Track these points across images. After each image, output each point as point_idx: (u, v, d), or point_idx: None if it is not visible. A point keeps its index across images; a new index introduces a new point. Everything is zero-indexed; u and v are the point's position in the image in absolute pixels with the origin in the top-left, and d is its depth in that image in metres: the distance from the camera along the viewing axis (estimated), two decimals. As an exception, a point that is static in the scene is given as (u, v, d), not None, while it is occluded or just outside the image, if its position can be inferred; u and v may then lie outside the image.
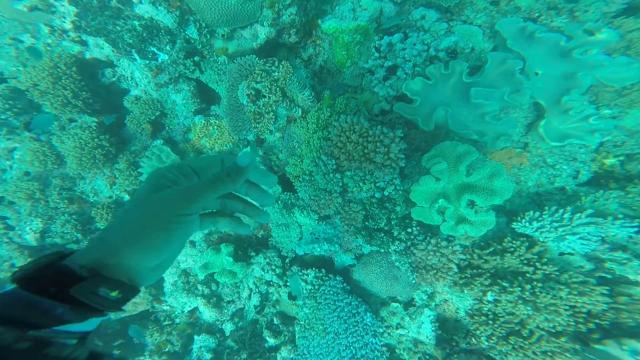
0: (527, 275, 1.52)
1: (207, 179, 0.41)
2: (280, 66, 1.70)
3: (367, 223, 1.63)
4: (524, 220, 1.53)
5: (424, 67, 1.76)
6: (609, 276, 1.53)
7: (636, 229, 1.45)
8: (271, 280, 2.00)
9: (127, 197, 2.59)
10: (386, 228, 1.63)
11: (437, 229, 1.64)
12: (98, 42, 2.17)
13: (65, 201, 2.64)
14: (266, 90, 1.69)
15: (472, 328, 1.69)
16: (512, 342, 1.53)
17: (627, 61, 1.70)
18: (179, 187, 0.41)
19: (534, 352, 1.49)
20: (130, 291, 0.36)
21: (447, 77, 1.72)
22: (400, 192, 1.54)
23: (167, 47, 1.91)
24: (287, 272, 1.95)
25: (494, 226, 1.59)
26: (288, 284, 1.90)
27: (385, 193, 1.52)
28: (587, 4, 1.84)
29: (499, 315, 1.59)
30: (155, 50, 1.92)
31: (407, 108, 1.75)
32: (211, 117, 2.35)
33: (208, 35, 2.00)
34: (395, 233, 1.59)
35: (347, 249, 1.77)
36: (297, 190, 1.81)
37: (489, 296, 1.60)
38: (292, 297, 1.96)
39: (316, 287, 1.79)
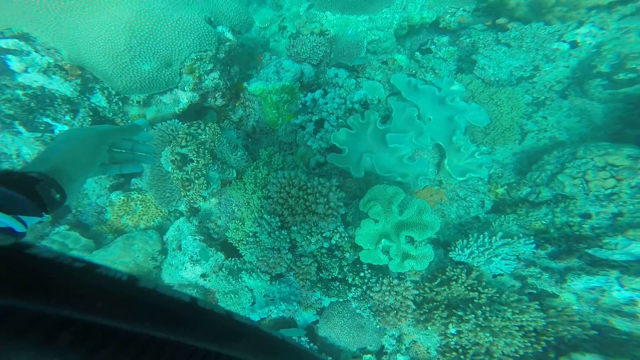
0: (475, 300, 1.68)
1: (114, 127, 0.68)
2: (207, 128, 1.67)
3: (321, 274, 1.62)
4: (457, 249, 1.75)
5: (345, 118, 1.97)
6: (534, 291, 1.80)
7: (534, 245, 1.80)
8: None
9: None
10: (340, 276, 1.64)
11: (386, 269, 1.74)
12: None
13: None
14: (193, 155, 1.62)
15: None
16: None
17: (476, 107, 2.27)
18: (97, 128, 0.63)
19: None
20: (64, 199, 0.52)
21: (365, 126, 1.96)
22: (346, 238, 1.60)
23: (67, 117, 1.68)
24: None
25: (435, 257, 1.80)
26: None
27: (333, 242, 1.56)
28: (437, 66, 2.47)
29: (466, 347, 1.68)
30: (50, 122, 1.66)
31: (338, 158, 1.91)
32: (132, 192, 2.08)
33: (120, 103, 1.85)
34: (350, 280, 1.62)
35: (307, 305, 1.70)
36: (242, 254, 1.70)
37: (451, 329, 1.70)
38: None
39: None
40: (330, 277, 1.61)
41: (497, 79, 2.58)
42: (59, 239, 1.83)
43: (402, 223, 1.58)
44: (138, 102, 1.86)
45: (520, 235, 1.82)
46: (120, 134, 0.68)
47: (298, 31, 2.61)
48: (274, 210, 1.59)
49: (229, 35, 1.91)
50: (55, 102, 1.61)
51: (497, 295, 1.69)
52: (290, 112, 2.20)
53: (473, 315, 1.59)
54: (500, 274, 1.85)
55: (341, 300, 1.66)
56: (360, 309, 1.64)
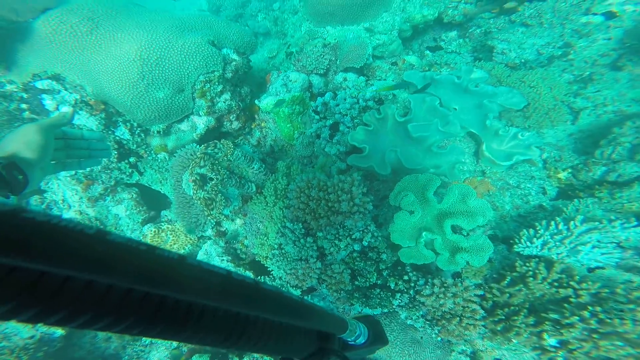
0: (572, 299, 1.32)
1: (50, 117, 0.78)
2: (220, 145, 1.67)
3: (357, 282, 1.42)
4: (523, 239, 1.47)
5: (360, 117, 1.89)
6: None
7: None
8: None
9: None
10: (380, 282, 1.43)
11: (437, 271, 1.49)
12: None
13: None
14: (211, 173, 1.60)
15: None
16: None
17: (507, 89, 2.08)
18: (37, 121, 0.70)
19: None
20: (26, 181, 0.60)
21: (384, 121, 1.85)
22: (379, 238, 1.41)
23: None
24: None
25: (496, 255, 1.51)
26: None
27: (365, 243, 1.38)
28: (452, 60, 2.38)
29: None
30: None
31: (359, 158, 1.80)
32: (162, 223, 2.11)
33: (142, 135, 1.95)
34: (392, 285, 1.39)
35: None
36: (270, 270, 1.56)
37: (549, 339, 1.33)
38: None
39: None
40: (367, 284, 1.40)
41: (522, 60, 2.40)
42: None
43: (444, 213, 1.37)
44: (158, 132, 1.94)
45: (613, 217, 1.48)
46: (57, 122, 0.75)
47: (302, 50, 2.70)
48: (296, 217, 1.47)
49: (234, 56, 2.00)
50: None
51: (607, 290, 1.31)
52: (304, 123, 2.17)
53: (578, 318, 1.24)
54: (599, 267, 1.48)
55: (385, 310, 1.42)
56: (411, 318, 1.39)
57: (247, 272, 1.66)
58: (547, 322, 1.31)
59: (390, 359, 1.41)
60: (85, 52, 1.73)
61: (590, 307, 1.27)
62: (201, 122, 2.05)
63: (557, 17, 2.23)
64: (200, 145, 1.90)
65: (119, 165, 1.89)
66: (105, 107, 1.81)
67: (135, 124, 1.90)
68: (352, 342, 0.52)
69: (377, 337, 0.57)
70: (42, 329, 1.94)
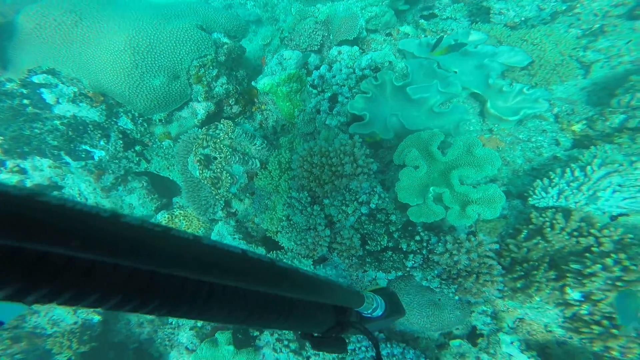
0: (594, 249, 1.26)
1: None
2: (221, 125, 1.68)
3: (368, 247, 1.41)
4: (537, 190, 1.41)
5: (358, 87, 1.87)
6: None
7: None
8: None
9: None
10: (391, 244, 1.41)
11: (450, 230, 1.46)
12: (35, 164, 2.01)
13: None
14: (214, 152, 1.61)
15: (596, 349, 1.26)
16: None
17: (509, 48, 2.02)
18: None
19: None
20: None
21: (382, 88, 1.83)
22: (387, 199, 1.40)
23: (102, 143, 1.82)
24: (305, 346, 1.52)
25: (514, 211, 1.47)
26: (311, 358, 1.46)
27: (372, 205, 1.37)
28: (448, 27, 2.33)
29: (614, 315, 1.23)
30: (89, 148, 1.81)
31: (361, 125, 1.78)
32: (175, 209, 2.15)
33: (145, 124, 1.98)
34: (404, 246, 1.38)
35: (361, 289, 1.47)
36: (281, 243, 1.57)
37: (572, 293, 1.28)
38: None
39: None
40: (379, 247, 1.39)
41: (522, 18, 2.32)
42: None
43: (450, 166, 1.35)
44: (160, 120, 1.97)
45: (634, 159, 1.41)
46: None
47: (294, 29, 2.68)
48: (301, 186, 1.47)
49: (225, 39, 2.01)
50: (88, 128, 1.77)
51: (631, 237, 1.25)
52: (303, 101, 2.16)
53: (600, 266, 1.19)
54: (622, 214, 1.42)
55: (400, 273, 1.41)
56: (426, 279, 1.37)
57: (260, 247, 1.68)
58: (569, 275, 1.26)
59: (409, 322, 1.40)
60: (75, 45, 1.75)
61: (613, 255, 1.22)
62: (201, 108, 2.06)
63: None
64: (201, 129, 1.92)
65: (126, 154, 1.92)
66: (104, 99, 1.85)
67: (136, 114, 1.94)
68: (369, 315, 0.54)
69: (394, 309, 0.58)
70: (82, 314, 2.03)
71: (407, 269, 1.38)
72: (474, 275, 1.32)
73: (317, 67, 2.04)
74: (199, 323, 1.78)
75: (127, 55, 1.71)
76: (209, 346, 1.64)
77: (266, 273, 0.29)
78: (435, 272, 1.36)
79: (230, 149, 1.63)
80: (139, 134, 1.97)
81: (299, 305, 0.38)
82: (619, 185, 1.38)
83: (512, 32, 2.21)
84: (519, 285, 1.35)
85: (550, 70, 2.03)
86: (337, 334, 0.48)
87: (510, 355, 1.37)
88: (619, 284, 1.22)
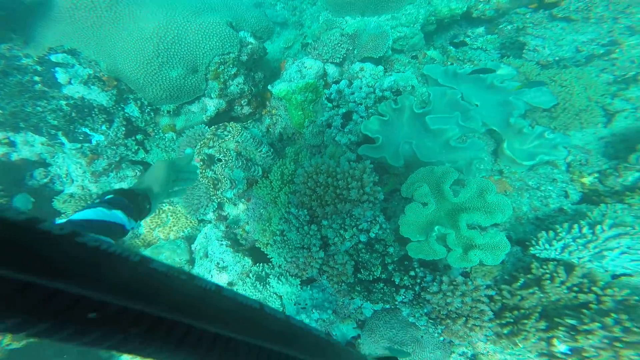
0: (592, 305, 1.25)
1: (178, 158, 0.96)
2: (230, 128, 1.66)
3: (359, 275, 1.36)
4: (541, 241, 1.39)
5: (375, 108, 1.84)
6: None
7: None
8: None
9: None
10: (384, 276, 1.37)
11: (445, 269, 1.42)
12: (27, 139, 2.00)
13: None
14: (219, 154, 1.59)
15: None
16: None
17: (535, 88, 1.99)
18: (171, 160, 0.90)
19: None
20: (150, 210, 0.79)
21: (400, 112, 1.80)
22: (387, 230, 1.36)
23: (103, 127, 1.81)
24: None
25: (512, 257, 1.44)
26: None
27: (372, 234, 1.33)
28: (477, 57, 2.32)
29: None
30: (88, 132, 1.80)
31: (371, 148, 1.76)
32: (164, 204, 2.12)
33: (152, 113, 1.97)
34: (397, 280, 1.33)
35: (345, 315, 1.43)
36: (270, 257, 1.53)
37: (559, 345, 1.26)
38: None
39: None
40: (371, 277, 1.34)
41: (556, 58, 2.29)
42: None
43: (459, 208, 1.31)
44: (168, 112, 1.96)
45: None
46: (182, 163, 0.91)
47: (319, 38, 2.68)
48: (302, 203, 1.44)
49: (250, 39, 2.00)
50: (93, 112, 1.76)
51: (636, 299, 1.23)
52: (315, 112, 2.14)
53: (598, 325, 1.16)
54: (627, 274, 1.38)
55: (387, 306, 1.36)
56: (413, 316, 1.32)
57: (246, 258, 1.64)
58: (561, 328, 1.23)
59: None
60: (104, 27, 1.77)
61: (614, 314, 1.19)
62: (212, 105, 2.05)
63: (611, 11, 2.11)
64: (209, 127, 1.90)
65: (126, 141, 1.91)
66: (117, 84, 1.84)
67: (145, 102, 1.93)
68: None
69: None
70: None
71: (396, 303, 1.34)
72: (464, 318, 1.28)
73: (337, 81, 2.02)
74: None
75: (152, 44, 1.71)
76: None
77: (280, 331, 0.29)
78: (425, 310, 1.31)
79: (235, 153, 1.61)
80: (143, 123, 1.96)
81: None
82: (628, 247, 1.35)
83: (542, 71, 2.18)
84: (505, 331, 1.32)
85: (573, 114, 2.00)
86: None
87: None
88: (618, 344, 1.18)
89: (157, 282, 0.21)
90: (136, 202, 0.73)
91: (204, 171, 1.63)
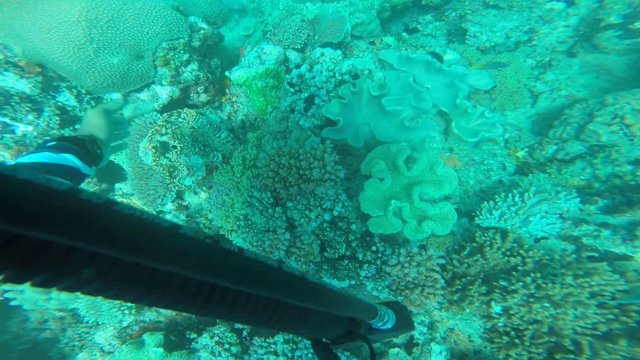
0: (519, 267, 1.42)
1: (110, 104, 0.90)
2: (184, 114, 1.59)
3: (326, 254, 1.41)
4: (483, 211, 1.54)
5: (336, 91, 1.88)
6: (595, 254, 1.53)
7: (579, 200, 1.58)
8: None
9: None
10: (348, 253, 1.43)
11: (404, 243, 1.52)
12: None
13: None
14: (173, 141, 1.52)
15: (500, 357, 1.43)
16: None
17: (477, 71, 2.19)
18: (104, 106, 0.85)
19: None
20: (101, 157, 0.77)
21: (359, 95, 1.86)
22: (350, 208, 1.42)
23: (29, 116, 1.62)
24: (249, 350, 1.47)
25: (459, 228, 1.57)
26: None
27: (335, 213, 1.38)
28: (427, 43, 2.48)
29: (522, 329, 1.40)
30: (8, 121, 1.60)
31: (333, 131, 1.79)
32: (116, 197, 1.97)
33: (92, 102, 1.81)
34: (360, 256, 1.40)
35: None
36: (235, 243, 1.51)
37: (495, 307, 1.43)
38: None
39: (290, 356, 1.37)
40: (336, 255, 1.39)
41: (492, 44, 2.52)
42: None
43: (413, 181, 1.40)
44: (112, 100, 1.81)
45: (559, 189, 1.59)
46: (113, 107, 0.88)
47: (279, 24, 2.64)
48: (265, 186, 1.43)
49: (202, 24, 1.92)
50: (12, 100, 1.56)
51: (548, 258, 1.42)
52: (278, 98, 2.12)
53: (521, 284, 1.32)
54: (544, 237, 1.59)
55: (353, 282, 1.43)
56: (377, 289, 1.40)
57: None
58: (496, 290, 1.39)
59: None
60: (9, 6, 1.55)
61: (532, 274, 1.37)
62: (164, 92, 1.94)
63: (526, 1, 2.35)
64: (161, 115, 1.80)
65: (62, 132, 1.73)
66: (42, 71, 1.65)
67: (83, 91, 1.76)
68: (379, 327, 0.57)
69: (404, 323, 0.61)
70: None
71: (361, 279, 1.41)
72: (420, 288, 1.38)
73: (298, 66, 2.02)
74: (124, 323, 1.62)
75: (81, 28, 1.54)
76: (132, 348, 1.50)
77: (297, 287, 0.31)
78: (386, 282, 1.40)
79: (191, 139, 1.55)
80: (82, 112, 1.79)
81: (314, 314, 0.40)
82: (546, 212, 1.56)
83: (482, 56, 2.39)
84: (455, 298, 1.46)
85: (507, 96, 2.23)
86: (346, 342, 0.50)
87: (437, 364, 1.46)
88: (531, 300, 1.37)
89: (185, 245, 0.23)
90: (84, 147, 0.69)
91: (157, 159, 1.54)
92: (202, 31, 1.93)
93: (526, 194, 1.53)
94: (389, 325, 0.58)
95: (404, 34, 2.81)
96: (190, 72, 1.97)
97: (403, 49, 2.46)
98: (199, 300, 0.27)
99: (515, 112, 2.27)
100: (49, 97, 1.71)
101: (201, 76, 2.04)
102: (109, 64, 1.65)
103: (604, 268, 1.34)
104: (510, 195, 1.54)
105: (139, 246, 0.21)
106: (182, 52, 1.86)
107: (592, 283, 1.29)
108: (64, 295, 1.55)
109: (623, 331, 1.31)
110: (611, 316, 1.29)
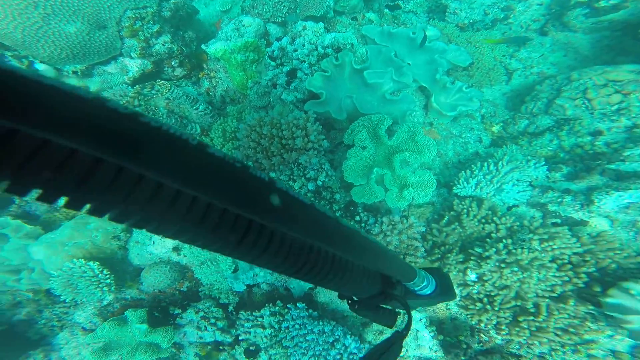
0: (493, 235, 1.49)
1: None
2: (158, 86, 1.51)
3: (310, 223, 1.42)
4: (461, 180, 1.60)
5: (318, 65, 1.85)
6: (558, 220, 1.62)
7: (546, 167, 1.67)
8: (216, 340, 1.48)
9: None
10: (333, 222, 1.44)
11: (386, 213, 1.56)
12: None
13: None
14: (146, 112, 1.44)
15: (473, 322, 1.51)
16: (526, 326, 1.37)
17: (456, 47, 2.24)
18: None
19: (555, 333, 1.33)
20: None
21: (341, 69, 1.84)
22: (333, 177, 1.42)
23: None
24: (236, 324, 1.48)
25: (438, 198, 1.62)
26: (241, 337, 1.44)
27: (319, 182, 1.38)
28: (409, 20, 2.49)
29: (493, 295, 1.47)
30: None
31: (316, 104, 1.78)
32: None
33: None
34: (344, 224, 1.42)
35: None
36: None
37: (470, 274, 1.49)
38: (250, 354, 1.47)
39: (277, 327, 1.39)
40: (321, 223, 1.40)
41: (470, 21, 2.56)
42: (-5, 231, 1.58)
43: (394, 149, 1.42)
44: (75, 72, 1.69)
45: (529, 158, 1.68)
46: None
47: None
48: (246, 157, 1.41)
49: (174, -8, 1.80)
50: None
51: (518, 225, 1.50)
52: (259, 72, 2.06)
53: (494, 250, 1.39)
54: (515, 205, 1.69)
55: (338, 249, 1.46)
56: (361, 255, 1.43)
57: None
58: (472, 257, 1.46)
59: (339, 300, 1.46)
60: None
61: (504, 240, 1.45)
62: (134, 65, 1.83)
63: None
64: (133, 87, 1.71)
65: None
66: None
67: (36, 61, 1.62)
68: (416, 291, 0.55)
69: (445, 290, 0.58)
70: None
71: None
72: (402, 256, 1.44)
73: (279, 39, 1.96)
74: (104, 302, 1.56)
75: None
76: (114, 325, 1.47)
77: (331, 228, 0.30)
78: (372, 251, 1.44)
79: (166, 110, 1.48)
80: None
81: (351, 267, 0.38)
82: (517, 180, 1.65)
83: (461, 33, 2.44)
84: (435, 266, 1.52)
85: (484, 73, 2.31)
86: (379, 303, 0.49)
87: (417, 330, 1.55)
88: (502, 265, 1.45)
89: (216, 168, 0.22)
90: None
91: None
92: (172, 0, 1.82)
93: (500, 163, 1.60)
94: (427, 291, 0.56)
95: (386, 10, 2.79)
96: (163, 45, 1.87)
97: (385, 24, 2.45)
98: (235, 235, 0.26)
99: (491, 89, 2.35)
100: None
101: (175, 49, 1.94)
102: (65, 32, 1.53)
103: (565, 232, 1.44)
104: (485, 164, 1.61)
105: (167, 160, 0.20)
106: (151, 22, 1.75)
107: (554, 247, 1.39)
108: (36, 275, 1.47)
109: (574, 291, 1.42)
110: (566, 278, 1.40)
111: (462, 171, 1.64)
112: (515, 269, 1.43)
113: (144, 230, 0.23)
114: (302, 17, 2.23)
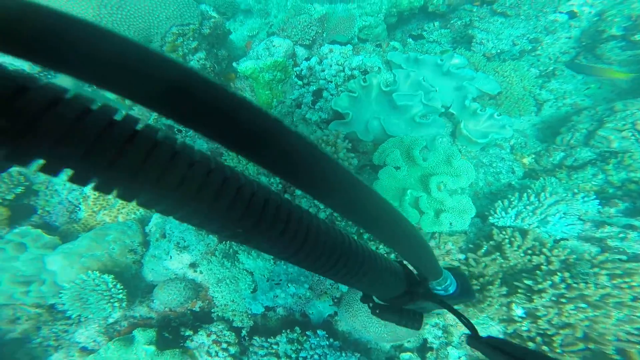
0: (543, 267, 1.34)
1: None
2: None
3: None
4: (498, 210, 1.50)
5: (345, 86, 1.85)
6: (624, 257, 1.44)
7: (598, 202, 1.56)
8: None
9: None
10: (360, 246, 1.34)
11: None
12: None
13: None
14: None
15: None
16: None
17: (484, 75, 2.22)
18: None
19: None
20: None
21: (368, 90, 1.83)
22: (362, 198, 1.34)
23: None
24: (248, 350, 1.35)
25: (473, 227, 1.52)
26: None
27: (347, 202, 1.30)
28: (432, 50, 2.53)
29: (551, 334, 1.28)
30: None
31: (341, 124, 1.76)
32: None
33: (93, 86, 1.74)
34: (372, 249, 1.32)
35: (321, 291, 1.37)
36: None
37: (517, 309, 1.34)
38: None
39: (294, 357, 1.26)
40: (348, 247, 1.31)
41: (498, 50, 2.57)
42: (14, 238, 1.54)
43: (428, 172, 1.35)
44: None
45: (576, 190, 1.56)
46: None
47: (287, 21, 2.64)
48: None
49: (213, 13, 1.90)
50: None
51: (574, 258, 1.35)
52: (284, 92, 2.09)
53: (549, 283, 1.24)
54: (564, 239, 1.53)
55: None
56: (391, 284, 1.31)
57: (211, 235, 1.50)
58: (520, 291, 1.31)
59: (365, 330, 1.32)
60: None
61: (559, 273, 1.30)
62: (169, 80, 1.88)
63: (533, 9, 2.42)
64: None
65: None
66: None
67: None
68: (439, 291, 0.53)
69: (465, 291, 0.56)
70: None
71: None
72: None
73: (308, 59, 2.00)
74: (109, 320, 1.44)
75: (91, 7, 1.50)
76: (119, 345, 1.36)
77: (372, 199, 0.28)
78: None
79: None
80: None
81: (378, 263, 0.37)
82: (564, 213, 1.52)
83: (487, 63, 2.43)
84: (473, 301, 1.37)
85: (513, 102, 2.26)
86: (404, 304, 0.47)
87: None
88: (562, 300, 1.30)
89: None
90: None
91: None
92: (212, 19, 1.91)
93: (542, 194, 1.49)
94: (450, 291, 0.52)
95: (409, 39, 2.85)
96: (198, 61, 1.93)
97: (410, 52, 2.48)
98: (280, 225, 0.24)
99: (520, 119, 2.29)
100: (50, 76, 1.64)
101: (208, 65, 2.00)
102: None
103: (644, 266, 1.27)
104: (525, 194, 1.50)
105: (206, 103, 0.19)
106: (191, 39, 1.82)
107: (634, 284, 1.21)
108: (46, 287, 1.40)
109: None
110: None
111: (499, 201, 1.53)
112: (584, 305, 1.25)
113: (170, 217, 0.22)
114: (329, 40, 2.29)
